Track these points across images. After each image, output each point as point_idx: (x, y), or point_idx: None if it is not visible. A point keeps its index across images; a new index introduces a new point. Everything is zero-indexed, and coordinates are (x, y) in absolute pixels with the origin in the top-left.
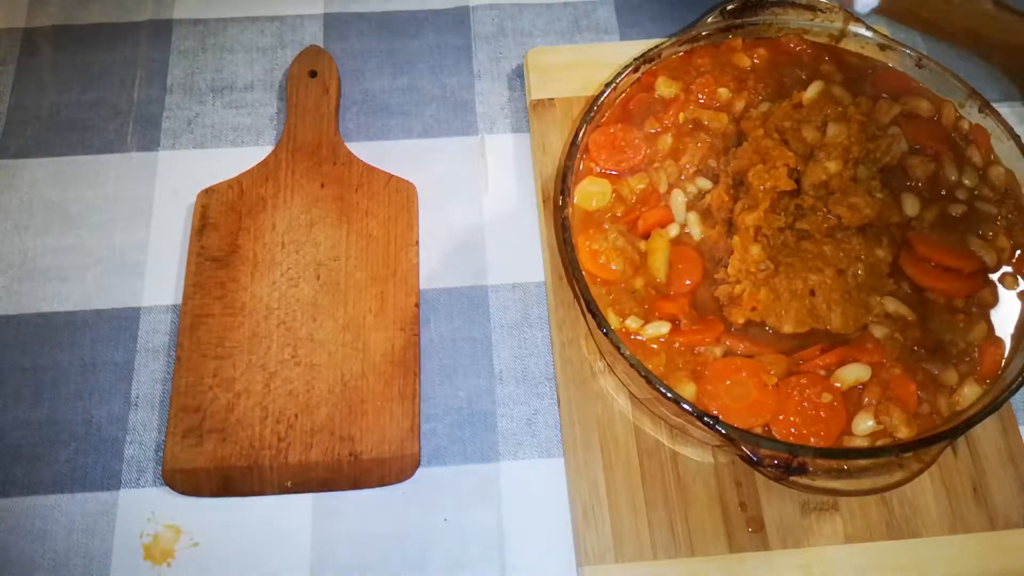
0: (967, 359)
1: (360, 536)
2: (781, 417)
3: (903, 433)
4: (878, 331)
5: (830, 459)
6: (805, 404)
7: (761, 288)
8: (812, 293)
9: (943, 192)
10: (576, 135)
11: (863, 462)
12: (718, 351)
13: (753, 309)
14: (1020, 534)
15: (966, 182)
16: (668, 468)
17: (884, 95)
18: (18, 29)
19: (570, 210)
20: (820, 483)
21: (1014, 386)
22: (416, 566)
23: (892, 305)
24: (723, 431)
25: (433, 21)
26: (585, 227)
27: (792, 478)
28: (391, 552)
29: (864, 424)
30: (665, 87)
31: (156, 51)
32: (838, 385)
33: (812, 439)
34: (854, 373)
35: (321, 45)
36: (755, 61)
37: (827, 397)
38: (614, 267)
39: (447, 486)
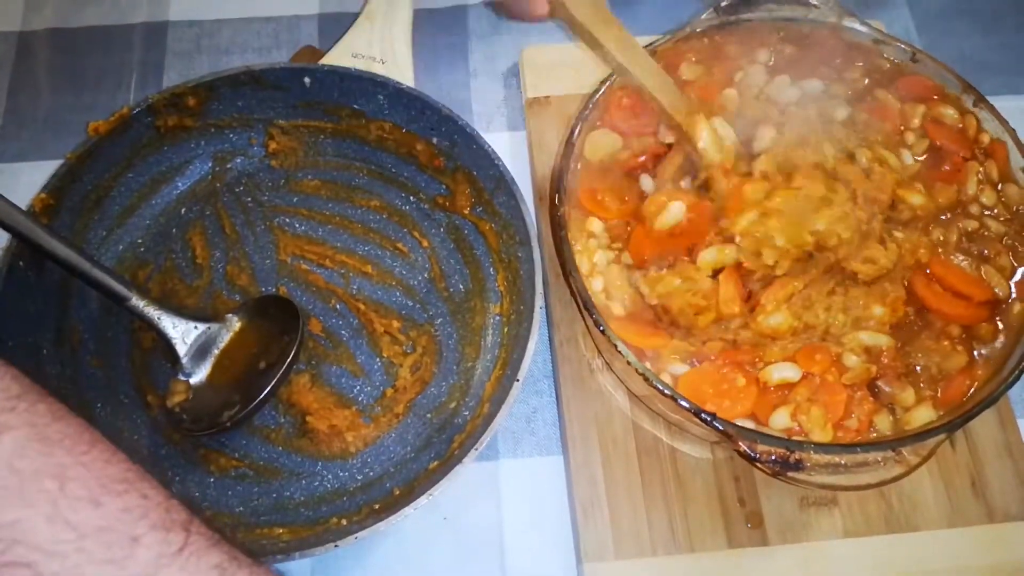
0: (933, 384)
1: (360, 535)
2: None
3: (817, 436)
4: (850, 360)
5: (827, 455)
6: (724, 385)
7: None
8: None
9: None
10: (572, 134)
11: (861, 457)
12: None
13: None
14: (1018, 527)
15: (983, 200)
16: (667, 464)
17: (910, 100)
18: (13, 32)
19: (566, 208)
20: (818, 478)
21: (1011, 379)
22: (416, 566)
23: (870, 339)
24: (720, 427)
25: (429, 20)
26: (590, 170)
27: (790, 474)
28: (391, 551)
29: (779, 419)
30: (689, 70)
31: (151, 53)
32: (764, 381)
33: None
34: (782, 373)
35: (317, 45)
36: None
37: (741, 381)
38: (608, 204)
39: (447, 485)
